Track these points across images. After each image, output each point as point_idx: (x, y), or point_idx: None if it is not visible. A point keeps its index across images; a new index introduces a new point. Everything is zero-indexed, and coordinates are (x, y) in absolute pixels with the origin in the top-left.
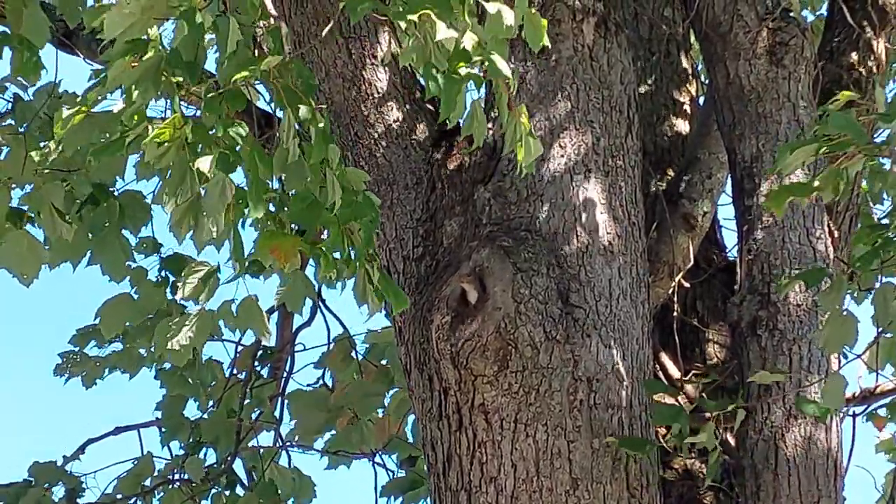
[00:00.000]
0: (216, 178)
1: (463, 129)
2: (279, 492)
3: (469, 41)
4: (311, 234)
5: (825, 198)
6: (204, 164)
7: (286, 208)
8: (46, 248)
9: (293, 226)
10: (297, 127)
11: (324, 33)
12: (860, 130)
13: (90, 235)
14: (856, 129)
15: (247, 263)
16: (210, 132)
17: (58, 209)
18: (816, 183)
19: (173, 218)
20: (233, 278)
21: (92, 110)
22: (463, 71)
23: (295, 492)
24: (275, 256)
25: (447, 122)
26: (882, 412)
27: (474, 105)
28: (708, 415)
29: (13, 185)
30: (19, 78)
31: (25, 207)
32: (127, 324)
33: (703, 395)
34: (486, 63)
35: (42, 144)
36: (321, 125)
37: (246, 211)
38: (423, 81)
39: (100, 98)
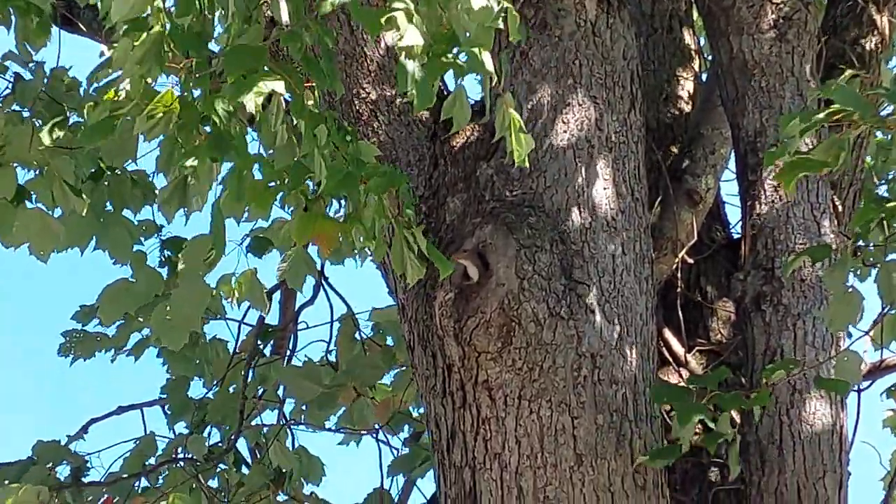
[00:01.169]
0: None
1: (443, 111)
2: (283, 471)
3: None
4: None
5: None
6: (190, 161)
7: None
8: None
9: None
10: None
11: (323, 9)
12: (865, 104)
13: (95, 217)
14: (861, 103)
15: (247, 244)
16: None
17: (69, 184)
18: (818, 155)
19: (161, 197)
20: (228, 252)
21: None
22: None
23: (304, 471)
24: (318, 244)
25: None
26: None
27: (458, 90)
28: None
29: (17, 166)
30: (25, 45)
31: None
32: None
33: (712, 379)
34: (469, 56)
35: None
36: (310, 102)
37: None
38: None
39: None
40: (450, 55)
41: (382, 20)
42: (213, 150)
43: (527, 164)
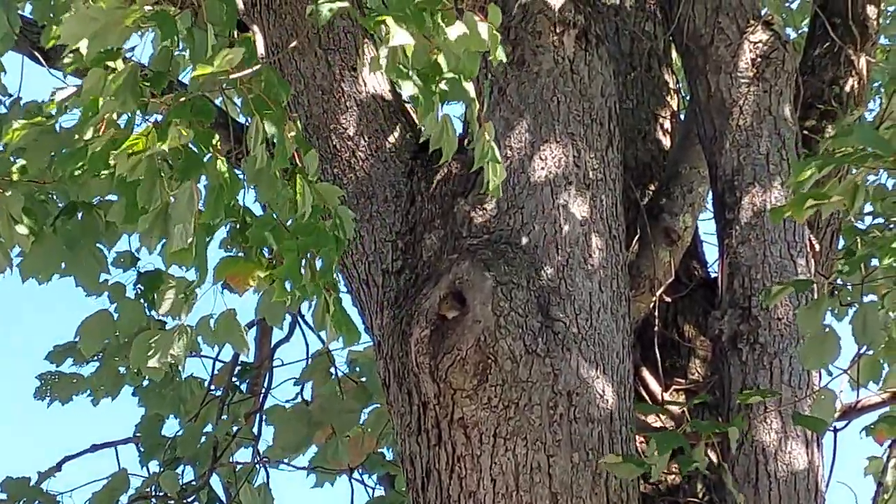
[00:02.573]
0: (183, 185)
1: (432, 142)
2: None
3: (443, 57)
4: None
5: (824, 212)
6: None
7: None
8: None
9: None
10: (267, 135)
11: (294, 43)
12: (886, 144)
13: (65, 247)
14: (882, 143)
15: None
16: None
17: (15, 218)
18: (836, 197)
19: (140, 227)
20: (204, 292)
21: (55, 124)
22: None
23: None
24: (233, 284)
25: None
26: (880, 425)
27: (444, 119)
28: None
29: None
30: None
31: None
32: (106, 341)
33: (686, 411)
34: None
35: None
36: (292, 133)
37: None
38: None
39: (64, 110)
40: (435, 83)
41: (372, 23)
42: (185, 171)
43: (500, 194)
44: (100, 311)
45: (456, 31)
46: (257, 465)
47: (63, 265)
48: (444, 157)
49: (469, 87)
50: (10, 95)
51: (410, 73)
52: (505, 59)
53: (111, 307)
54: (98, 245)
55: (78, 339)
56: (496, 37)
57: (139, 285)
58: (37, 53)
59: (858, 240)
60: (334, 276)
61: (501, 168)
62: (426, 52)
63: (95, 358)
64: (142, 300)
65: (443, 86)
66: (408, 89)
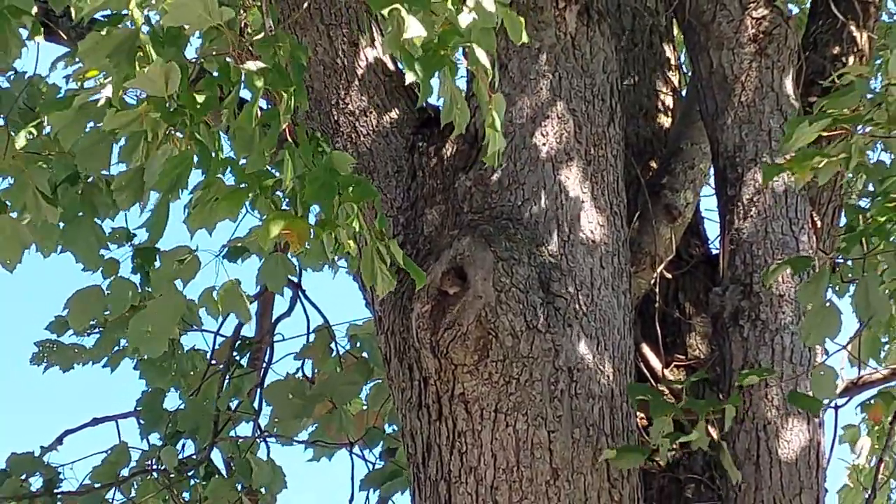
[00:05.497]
0: (162, 148)
1: (443, 115)
2: (251, 480)
3: (463, 20)
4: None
5: (821, 178)
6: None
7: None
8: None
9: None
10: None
11: (296, 17)
12: (883, 99)
13: (64, 221)
14: (879, 98)
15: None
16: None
17: (42, 193)
18: (833, 157)
19: (115, 184)
20: (206, 262)
21: (81, 101)
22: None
23: (265, 482)
24: (288, 238)
25: (429, 111)
26: (876, 401)
27: (454, 91)
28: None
29: None
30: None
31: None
32: (93, 321)
33: (687, 391)
34: (468, 51)
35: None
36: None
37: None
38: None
39: (78, 84)
40: (448, 50)
41: (385, 11)
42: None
43: (496, 163)
44: (91, 287)
45: (464, 19)
46: (258, 440)
47: (63, 240)
48: (457, 130)
49: (483, 56)
50: (14, 70)
51: (414, 55)
52: (527, 40)
53: (104, 283)
54: (96, 221)
55: (66, 312)
56: (520, 21)
57: (136, 260)
58: (46, 22)
59: (860, 217)
60: (386, 223)
61: (500, 137)
62: (432, 28)
63: (96, 330)
64: (137, 275)
65: (455, 55)
66: (410, 77)
